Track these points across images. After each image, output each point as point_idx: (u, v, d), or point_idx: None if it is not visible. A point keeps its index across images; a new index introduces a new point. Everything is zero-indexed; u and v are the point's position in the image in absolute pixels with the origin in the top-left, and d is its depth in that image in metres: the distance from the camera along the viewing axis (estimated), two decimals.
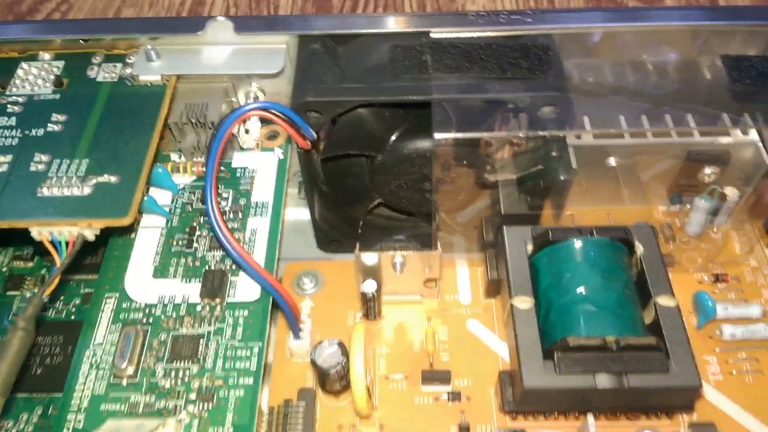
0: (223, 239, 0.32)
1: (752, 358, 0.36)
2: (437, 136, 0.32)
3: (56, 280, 0.30)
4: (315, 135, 0.34)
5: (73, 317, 0.39)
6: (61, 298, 0.40)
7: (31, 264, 0.42)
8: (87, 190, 0.31)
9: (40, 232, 0.30)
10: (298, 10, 0.63)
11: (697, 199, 0.39)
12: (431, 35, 0.35)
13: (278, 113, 0.32)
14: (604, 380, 0.30)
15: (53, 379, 0.36)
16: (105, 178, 0.32)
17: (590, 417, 0.28)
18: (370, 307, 0.37)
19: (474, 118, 0.32)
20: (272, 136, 0.41)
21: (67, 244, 0.30)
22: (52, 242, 0.30)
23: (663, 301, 0.32)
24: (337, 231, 0.42)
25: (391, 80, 0.33)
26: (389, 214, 0.43)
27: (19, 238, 0.41)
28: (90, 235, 0.30)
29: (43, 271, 0.41)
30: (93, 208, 0.31)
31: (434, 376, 0.35)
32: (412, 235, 0.42)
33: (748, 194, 0.38)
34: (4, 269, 0.41)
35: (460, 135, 0.32)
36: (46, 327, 0.38)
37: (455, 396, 0.35)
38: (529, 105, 0.32)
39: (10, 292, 0.40)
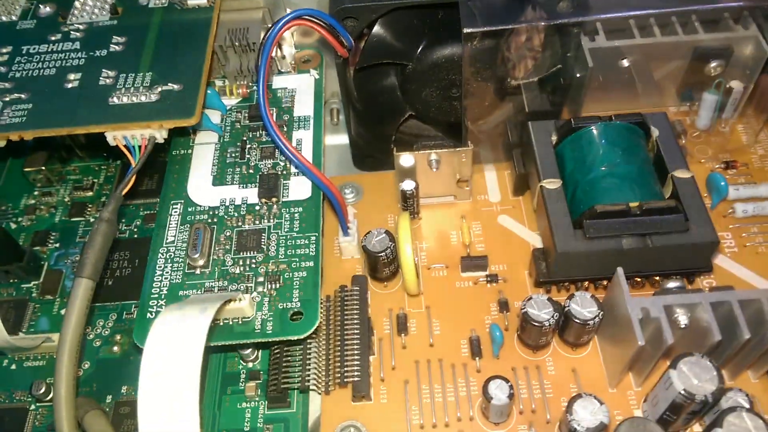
0: (279, 142, 0.35)
1: (764, 232, 0.39)
2: (466, 30, 0.35)
3: (132, 179, 0.33)
4: (353, 42, 0.37)
5: (136, 236, 0.43)
6: (124, 220, 0.43)
7: (90, 193, 0.45)
8: (154, 97, 0.34)
9: (114, 136, 0.34)
10: None
11: (705, 93, 0.42)
12: None
13: (319, 19, 0.35)
14: (629, 242, 0.34)
15: (124, 288, 0.40)
16: (169, 86, 0.35)
17: (619, 269, 0.32)
18: (410, 205, 0.40)
19: (499, 13, 0.35)
20: (306, 60, 0.45)
21: (140, 147, 0.34)
22: (126, 146, 0.34)
23: (679, 173, 0.36)
24: (371, 147, 0.45)
25: None
26: (417, 132, 0.46)
27: (92, 146, 0.45)
28: (160, 136, 0.34)
29: (102, 198, 0.45)
30: (162, 112, 0.34)
31: (472, 262, 0.39)
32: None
33: (749, 86, 0.41)
34: (67, 199, 0.45)
35: (486, 28, 0.35)
36: (115, 245, 0.41)
37: (492, 278, 0.39)
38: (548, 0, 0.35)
39: (74, 218, 0.44)
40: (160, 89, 0.35)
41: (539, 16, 0.36)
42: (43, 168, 0.45)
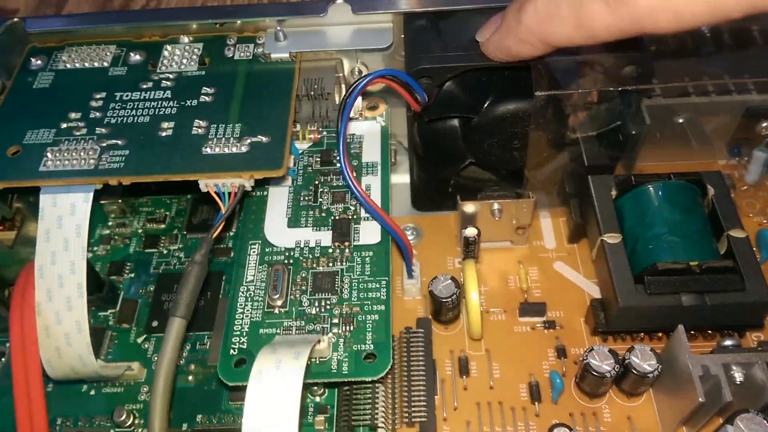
0: (354, 189, 0.37)
1: None
2: (537, 93, 0.37)
3: (222, 224, 0.36)
4: (426, 98, 0.39)
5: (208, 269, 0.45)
6: None
7: (163, 226, 0.48)
8: (244, 149, 0.37)
9: (207, 184, 0.36)
10: None
11: (755, 150, 0.44)
12: None
13: (398, 78, 0.38)
14: (688, 299, 0.35)
15: (198, 320, 0.42)
16: (258, 138, 0.37)
17: (680, 326, 0.34)
18: (471, 250, 0.42)
19: (567, 77, 0.38)
20: (373, 107, 0.47)
21: (229, 194, 0.36)
22: (216, 193, 0.36)
23: (735, 233, 0.37)
24: (430, 190, 0.48)
25: None
26: (475, 176, 0.48)
27: (178, 189, 0.47)
28: (248, 185, 0.36)
29: (174, 231, 0.47)
30: (251, 163, 0.36)
31: (530, 308, 0.41)
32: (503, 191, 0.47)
33: None
34: (140, 230, 0.48)
35: (557, 92, 0.37)
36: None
37: (550, 324, 0.40)
38: (614, 65, 0.38)
39: (148, 249, 0.46)
40: (249, 141, 0.37)
41: (606, 81, 0.38)
42: (119, 200, 0.47)
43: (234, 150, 0.37)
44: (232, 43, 0.43)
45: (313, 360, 0.35)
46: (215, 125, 0.38)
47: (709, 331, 0.38)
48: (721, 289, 0.35)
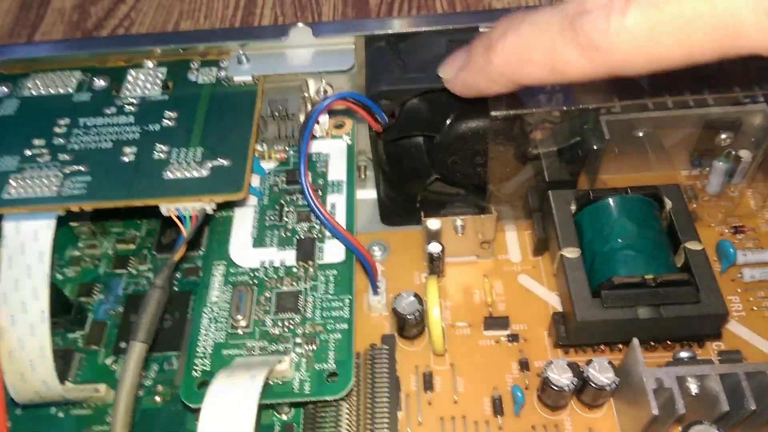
0: (316, 209, 0.38)
1: None
2: (493, 113, 0.37)
3: (183, 248, 0.36)
4: (387, 119, 0.40)
5: (176, 289, 0.45)
6: None
7: (133, 246, 0.48)
8: (205, 173, 0.37)
9: (168, 208, 0.36)
10: (339, 14, 0.69)
11: (715, 161, 0.44)
12: (480, 29, 0.41)
13: (357, 101, 0.38)
14: (644, 312, 0.36)
15: (166, 340, 0.43)
16: (219, 162, 0.38)
17: (635, 340, 0.34)
18: (435, 266, 0.43)
19: (523, 97, 0.38)
20: (339, 126, 0.47)
21: (191, 217, 0.37)
22: (178, 217, 0.37)
23: (691, 245, 0.38)
24: (398, 206, 0.48)
25: None
26: (442, 191, 0.49)
27: (142, 215, 0.48)
28: (209, 208, 0.37)
29: (144, 251, 0.48)
30: (212, 186, 0.37)
31: (494, 322, 0.41)
32: (468, 206, 0.48)
33: (759, 155, 0.44)
34: (110, 251, 0.48)
35: (511, 111, 0.38)
36: None
37: (514, 338, 0.41)
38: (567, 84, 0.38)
39: (117, 270, 0.47)
40: (210, 164, 0.38)
41: (561, 99, 0.39)
42: (89, 222, 0.48)
43: (195, 174, 0.37)
44: (196, 67, 0.43)
45: (275, 380, 0.35)
46: (177, 149, 0.39)
47: (669, 342, 0.39)
48: (677, 301, 0.36)
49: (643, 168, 0.47)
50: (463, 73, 0.34)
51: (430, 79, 0.39)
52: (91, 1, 0.74)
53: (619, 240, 0.38)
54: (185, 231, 0.36)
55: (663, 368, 0.33)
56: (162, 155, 0.38)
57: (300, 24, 0.42)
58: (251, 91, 0.42)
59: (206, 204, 0.36)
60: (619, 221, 0.38)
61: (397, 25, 0.42)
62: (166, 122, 0.40)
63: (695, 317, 0.36)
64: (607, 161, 0.45)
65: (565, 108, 0.39)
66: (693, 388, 0.33)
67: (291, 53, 0.43)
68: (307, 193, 0.38)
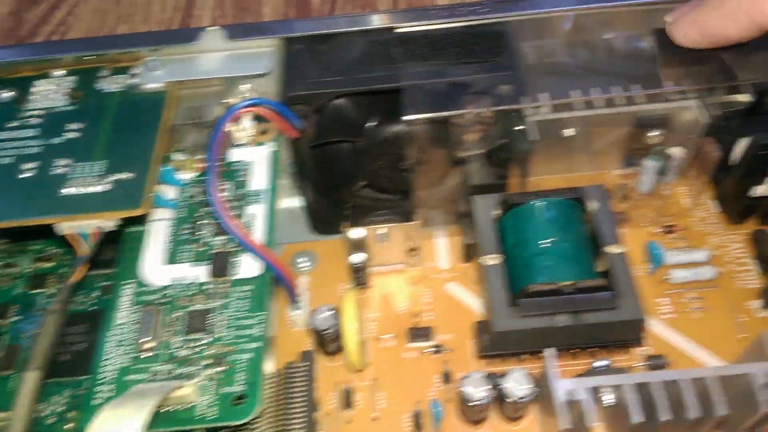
0: (225, 224, 0.36)
1: (700, 297, 0.41)
2: (406, 117, 0.36)
3: (82, 269, 0.35)
4: (302, 124, 0.38)
5: (94, 308, 0.44)
6: (83, 292, 0.44)
7: (52, 264, 0.46)
8: (106, 187, 0.36)
9: (65, 227, 0.35)
10: (280, 14, 0.68)
11: (646, 160, 0.43)
12: (399, 30, 0.39)
13: (268, 107, 0.37)
14: (562, 319, 0.35)
15: (80, 363, 0.41)
16: (120, 175, 0.36)
17: (549, 351, 0.33)
18: (359, 277, 0.42)
19: (440, 100, 0.37)
20: (264, 132, 0.46)
21: (91, 235, 0.35)
22: (77, 235, 0.35)
23: (611, 249, 0.37)
24: (328, 213, 0.47)
25: (366, 72, 0.38)
26: (374, 195, 0.48)
27: (45, 235, 0.46)
28: (110, 226, 0.35)
29: (62, 269, 0.46)
30: (111, 202, 0.35)
31: (418, 333, 0.40)
32: (396, 212, 0.47)
33: (690, 152, 0.43)
34: (28, 270, 0.46)
35: (426, 115, 0.36)
36: (71, 318, 0.42)
37: (438, 348, 0.40)
38: (488, 85, 0.37)
39: (34, 290, 0.45)
40: (111, 178, 0.36)
41: (481, 101, 0.38)
42: (4, 239, 0.46)
43: (96, 189, 0.36)
44: (106, 74, 0.42)
45: (176, 407, 0.34)
46: (79, 163, 0.37)
47: (594, 349, 0.38)
48: (593, 308, 0.35)
49: (576, 168, 0.46)
50: (692, 13, 0.32)
51: (348, 82, 0.38)
52: (26, 7, 0.72)
53: (539, 245, 0.37)
54: (84, 250, 0.35)
55: (577, 379, 0.32)
56: (62, 170, 0.37)
57: (211, 27, 0.40)
58: (160, 98, 0.40)
59: (105, 221, 0.35)
60: (539, 226, 0.37)
61: (316, 26, 0.40)
62: (70, 134, 0.39)
63: (613, 323, 0.35)
64: (537, 162, 0.44)
65: (483, 110, 0.38)
66: (608, 399, 0.32)
67: (206, 58, 0.41)
68: (215, 207, 0.36)
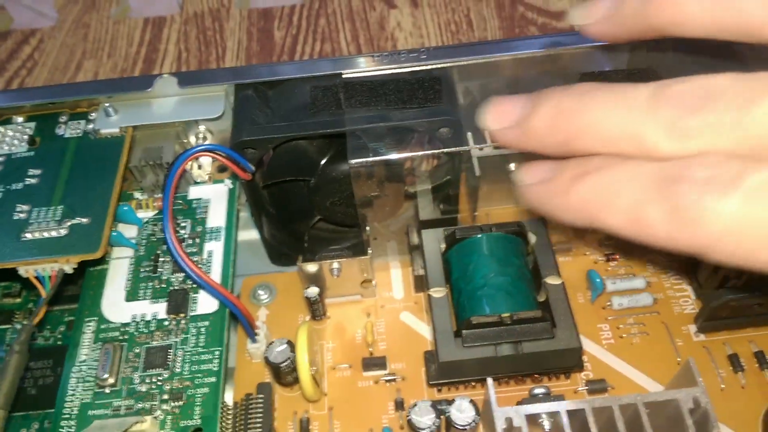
0: (181, 262, 0.38)
1: (639, 323, 0.43)
2: (351, 161, 0.38)
3: (43, 310, 0.36)
4: (253, 168, 0.40)
5: (60, 342, 0.45)
6: (48, 326, 0.45)
7: (19, 300, 0.47)
8: (63, 232, 0.37)
9: (26, 270, 0.36)
10: (243, 49, 0.69)
11: None
12: (345, 75, 0.41)
13: (219, 152, 0.39)
14: (504, 349, 0.37)
15: (46, 397, 0.42)
16: (77, 220, 0.38)
17: (489, 380, 0.35)
18: (315, 309, 0.43)
19: (383, 144, 0.39)
20: (222, 169, 0.48)
21: (50, 278, 0.36)
22: (37, 277, 0.36)
23: (550, 280, 0.39)
24: (286, 246, 0.48)
25: (312, 117, 0.39)
26: (332, 227, 0.50)
27: (7, 277, 0.47)
28: (68, 269, 0.36)
29: (29, 305, 0.47)
30: (70, 246, 0.37)
31: (372, 362, 0.42)
32: (353, 244, 0.48)
33: None
34: None
35: (371, 159, 0.38)
36: (37, 353, 0.44)
37: (392, 377, 0.41)
38: (428, 128, 0.39)
39: (2, 326, 0.46)
40: (69, 223, 0.38)
41: (422, 143, 0.40)
42: None
43: (54, 234, 0.37)
44: (64, 120, 0.43)
45: None
46: (38, 208, 0.38)
47: (536, 376, 0.40)
48: (533, 338, 0.37)
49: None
50: (541, 188, 0.30)
51: (295, 127, 0.40)
52: None
53: (481, 278, 0.39)
54: (44, 292, 0.36)
55: (515, 406, 0.34)
56: (22, 215, 0.38)
57: (165, 75, 0.42)
58: (118, 142, 0.42)
59: (64, 264, 0.36)
60: (480, 260, 0.39)
61: (265, 73, 0.42)
62: (29, 180, 0.40)
63: (552, 352, 0.37)
64: (486, 196, 0.46)
65: (423, 153, 0.40)
66: (547, 424, 0.34)
67: (160, 102, 0.43)
68: (171, 248, 0.38)
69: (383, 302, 0.46)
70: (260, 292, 0.46)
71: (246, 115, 0.41)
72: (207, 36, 0.71)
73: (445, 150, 0.40)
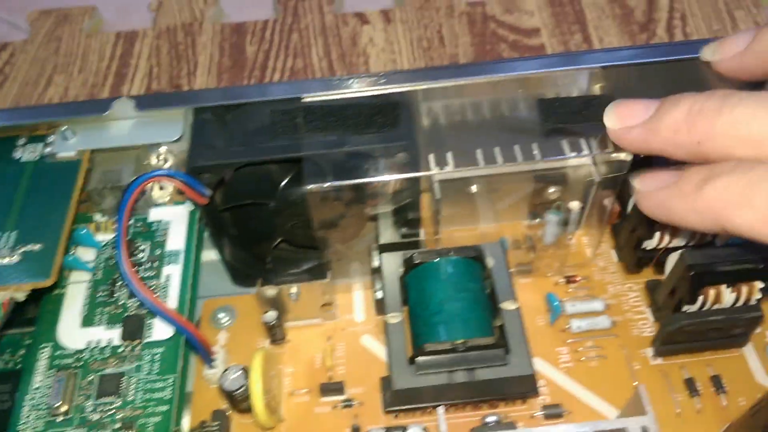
0: (134, 289, 0.37)
1: (597, 346, 0.43)
2: (308, 187, 0.38)
3: None
4: (209, 192, 0.40)
5: (19, 366, 0.44)
6: (9, 350, 0.45)
7: None
8: (16, 259, 0.37)
9: None
10: (215, 64, 0.69)
11: (547, 213, 0.46)
12: (304, 100, 0.41)
13: (174, 178, 0.39)
14: (458, 376, 0.37)
15: (2, 422, 0.42)
16: (30, 246, 0.37)
17: (440, 409, 0.35)
18: (274, 333, 0.43)
19: (340, 170, 0.39)
20: (182, 191, 0.47)
21: (2, 305, 0.36)
22: None
23: (506, 305, 0.39)
24: (249, 267, 0.48)
25: (270, 141, 0.39)
26: (294, 249, 0.49)
27: None
28: (20, 297, 0.36)
29: None
30: (21, 273, 0.36)
31: (330, 387, 0.42)
32: (316, 265, 0.48)
33: (588, 206, 0.45)
34: None
35: (325, 185, 0.38)
36: None
37: (349, 403, 0.41)
38: (384, 153, 0.39)
39: None
40: (22, 250, 0.37)
41: (379, 168, 0.40)
42: None
43: (6, 261, 0.37)
44: (22, 143, 0.43)
45: None
46: None
47: (492, 402, 0.40)
48: (487, 364, 0.37)
49: (487, 221, 0.49)
50: (663, 192, 0.31)
51: (252, 152, 0.40)
52: None
53: (436, 305, 0.39)
54: None
55: None
56: None
57: (123, 98, 0.42)
58: (74, 166, 0.41)
59: (15, 292, 0.36)
60: (436, 285, 0.39)
61: (224, 97, 0.42)
62: None
63: (505, 379, 0.37)
64: (449, 217, 0.46)
65: (383, 179, 0.40)
66: None
67: (118, 125, 0.43)
68: (124, 274, 0.37)
69: (344, 325, 0.45)
70: (221, 315, 0.46)
71: (202, 139, 0.40)
72: (179, 50, 0.71)
73: (401, 176, 0.40)
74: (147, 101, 0.42)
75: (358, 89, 0.41)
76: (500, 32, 0.70)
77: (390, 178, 0.40)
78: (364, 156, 0.39)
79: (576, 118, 0.40)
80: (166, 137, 0.42)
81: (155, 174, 0.38)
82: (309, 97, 0.41)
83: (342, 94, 0.41)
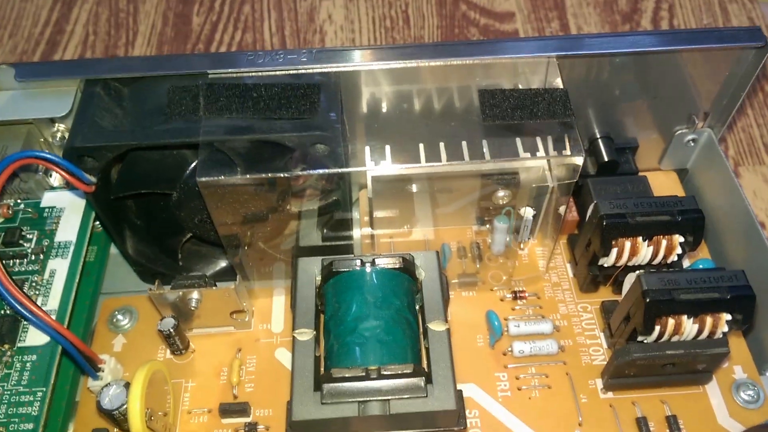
0: (3, 293, 0.32)
1: (541, 374, 0.38)
2: (199, 179, 0.32)
3: None
4: (92, 179, 0.34)
5: None
6: None
7: None
8: None
9: None
10: (157, 34, 0.63)
11: (495, 220, 0.40)
12: (209, 76, 0.35)
13: (50, 161, 0.33)
14: (369, 408, 0.32)
15: None
16: None
17: None
18: (172, 343, 0.38)
19: (244, 159, 0.33)
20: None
21: None
22: None
23: (434, 326, 0.34)
24: (158, 263, 0.42)
25: (164, 122, 0.34)
26: (205, 245, 0.44)
27: None
28: None
29: None
30: None
31: (232, 408, 0.36)
32: (230, 266, 0.42)
33: (542, 213, 0.40)
34: None
35: (221, 178, 0.32)
36: None
37: (252, 427, 0.36)
38: (298, 144, 0.33)
39: None
40: None
41: (292, 161, 0.34)
42: None
43: None
44: None
45: None
46: None
47: None
48: (404, 396, 0.31)
49: (431, 223, 0.43)
50: None
51: (141, 135, 0.34)
52: None
53: (352, 322, 0.33)
54: None
55: None
56: None
57: (3, 65, 0.36)
58: None
59: None
60: (355, 299, 0.34)
61: (120, 68, 0.36)
62: None
63: (424, 413, 0.31)
64: (389, 219, 0.41)
65: (298, 174, 0.34)
66: None
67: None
68: None
69: (259, 335, 0.40)
70: (119, 317, 0.40)
71: (89, 116, 0.35)
72: (119, 18, 0.65)
73: (322, 171, 0.34)
74: (28, 70, 0.36)
75: (273, 67, 0.35)
76: (471, 15, 0.64)
77: (309, 172, 0.34)
78: (274, 146, 0.34)
79: (517, 114, 0.35)
80: (51, 112, 0.36)
81: (24, 155, 0.32)
82: (217, 73, 0.35)
83: (255, 72, 0.35)
